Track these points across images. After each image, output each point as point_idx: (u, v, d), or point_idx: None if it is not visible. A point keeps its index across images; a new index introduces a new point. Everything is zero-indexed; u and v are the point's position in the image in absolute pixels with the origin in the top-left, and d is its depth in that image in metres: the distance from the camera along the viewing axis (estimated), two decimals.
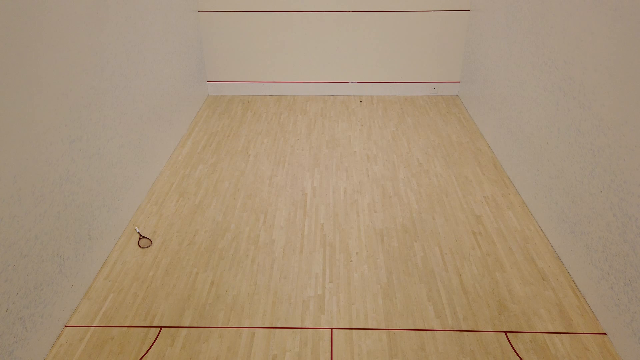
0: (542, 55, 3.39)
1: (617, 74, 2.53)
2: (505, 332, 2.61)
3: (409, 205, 3.62)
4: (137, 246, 3.25)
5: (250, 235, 3.34)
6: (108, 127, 3.15)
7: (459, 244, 3.24)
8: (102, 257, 3.09)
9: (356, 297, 2.84)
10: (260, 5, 5.17)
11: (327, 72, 5.52)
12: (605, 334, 2.60)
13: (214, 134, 4.71)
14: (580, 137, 2.87)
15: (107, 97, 3.14)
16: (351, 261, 3.11)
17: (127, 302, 2.81)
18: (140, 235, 3.34)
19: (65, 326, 2.66)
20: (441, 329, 2.63)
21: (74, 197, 2.75)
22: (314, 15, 5.21)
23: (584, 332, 2.61)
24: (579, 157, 2.88)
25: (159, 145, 4.06)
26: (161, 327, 2.65)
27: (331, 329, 2.64)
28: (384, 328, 2.64)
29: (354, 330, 2.63)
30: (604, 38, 2.65)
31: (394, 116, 5.06)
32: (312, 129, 4.80)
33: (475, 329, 2.63)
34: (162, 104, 4.12)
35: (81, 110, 2.82)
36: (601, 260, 2.65)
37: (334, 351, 2.51)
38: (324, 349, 2.52)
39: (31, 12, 2.35)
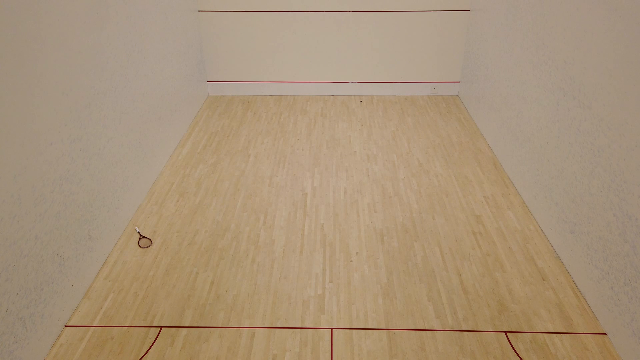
0: (542, 55, 3.39)
1: (617, 74, 2.53)
2: (505, 332, 2.61)
3: (409, 205, 3.62)
4: (137, 246, 3.25)
5: (250, 235, 3.34)
6: (108, 127, 3.15)
7: (459, 244, 3.24)
8: (102, 257, 3.09)
9: (356, 297, 2.84)
10: (260, 5, 5.17)
11: (327, 72, 5.52)
12: (605, 334, 2.60)
13: (214, 133, 4.71)
14: (580, 137, 2.86)
15: (107, 97, 3.14)
16: (351, 261, 3.10)
17: (127, 302, 2.81)
18: (140, 235, 3.34)
19: (65, 326, 2.66)
20: (441, 329, 2.63)
21: (74, 197, 2.75)
22: (314, 15, 5.21)
23: (584, 332, 2.61)
24: (579, 157, 2.88)
25: (159, 145, 4.06)
26: (161, 327, 2.65)
27: (331, 329, 2.64)
28: (384, 328, 2.64)
29: (354, 330, 2.63)
30: (604, 38, 2.65)
31: (394, 116, 5.06)
32: (312, 129, 4.80)
33: (475, 329, 2.63)
34: (162, 104, 4.12)
35: (81, 110, 2.82)
36: (601, 260, 2.65)
37: (334, 351, 2.51)
38: (324, 349, 2.52)
39: (31, 11, 2.35)
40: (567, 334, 2.60)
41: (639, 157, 2.34)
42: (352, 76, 5.54)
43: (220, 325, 2.66)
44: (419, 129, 4.77)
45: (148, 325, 2.67)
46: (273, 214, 3.55)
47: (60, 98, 2.60)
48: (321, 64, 5.48)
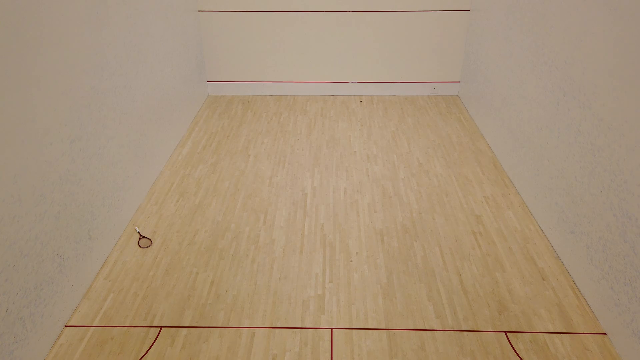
0: (542, 55, 3.39)
1: (617, 74, 2.53)
2: (505, 332, 2.61)
3: (409, 205, 3.62)
4: (137, 246, 3.25)
5: (250, 235, 3.34)
6: (108, 127, 3.15)
7: (459, 244, 3.24)
8: (102, 257, 3.09)
9: (356, 297, 2.84)
10: (260, 5, 5.17)
11: (327, 72, 5.52)
12: (605, 334, 2.60)
13: (214, 133, 4.71)
14: (580, 137, 2.86)
15: (107, 97, 3.14)
16: (351, 261, 3.11)
17: (127, 302, 2.81)
18: (140, 235, 3.34)
19: (65, 326, 2.66)
20: (441, 329, 2.63)
21: (74, 197, 2.75)
22: (314, 15, 5.21)
23: (584, 332, 2.61)
24: (579, 157, 2.88)
25: (159, 145, 4.05)
26: (161, 327, 2.65)
27: (331, 329, 2.64)
28: (384, 328, 2.64)
29: (354, 330, 2.63)
30: (604, 38, 2.65)
31: (394, 116, 5.06)
32: (312, 129, 4.80)
33: (475, 329, 2.63)
34: (162, 104, 4.12)
35: (81, 110, 2.82)
36: (601, 260, 2.65)
37: (334, 351, 2.51)
38: (324, 349, 2.52)
39: (31, 11, 2.35)
40: (567, 334, 2.60)
41: (639, 157, 2.34)
42: (352, 76, 5.54)
43: (220, 325, 2.66)
44: (419, 129, 4.77)
45: (148, 325, 2.67)
46: (273, 214, 3.55)
47: (60, 98, 2.60)
48: (321, 64, 5.48)
